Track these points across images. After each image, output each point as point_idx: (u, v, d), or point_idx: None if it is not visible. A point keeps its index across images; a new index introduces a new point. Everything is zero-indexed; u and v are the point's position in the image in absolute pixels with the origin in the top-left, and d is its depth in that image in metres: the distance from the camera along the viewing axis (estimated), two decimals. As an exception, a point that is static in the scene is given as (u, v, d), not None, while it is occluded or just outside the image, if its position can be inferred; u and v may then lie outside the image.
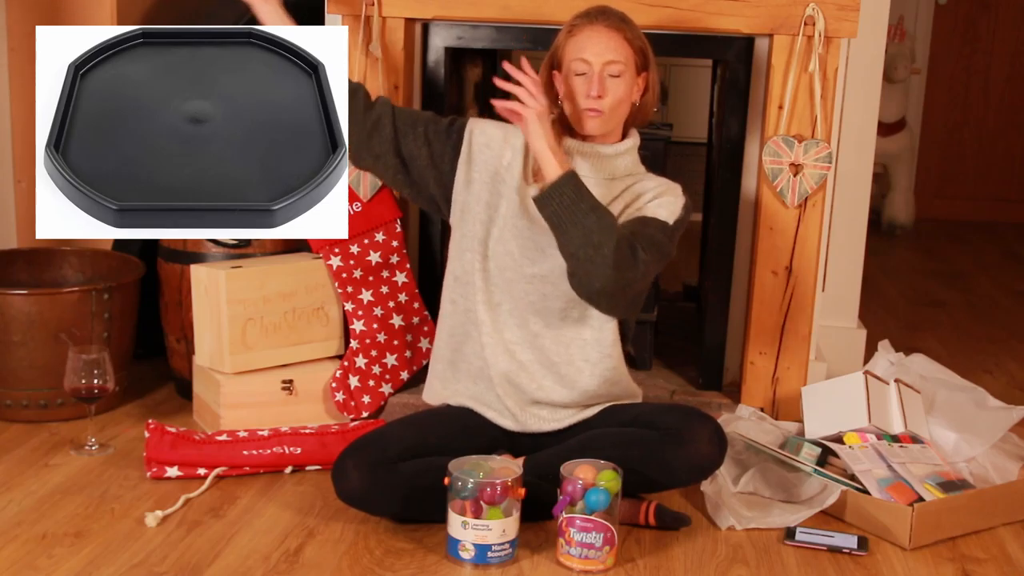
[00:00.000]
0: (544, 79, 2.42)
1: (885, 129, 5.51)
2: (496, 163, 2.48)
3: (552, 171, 2.26)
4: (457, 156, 2.49)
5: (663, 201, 2.40)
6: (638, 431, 2.39)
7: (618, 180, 2.46)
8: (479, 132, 2.50)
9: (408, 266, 2.92)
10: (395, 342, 2.89)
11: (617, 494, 2.20)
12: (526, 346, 2.47)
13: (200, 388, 2.89)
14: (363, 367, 2.85)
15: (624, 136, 2.49)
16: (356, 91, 2.50)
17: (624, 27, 2.40)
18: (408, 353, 2.92)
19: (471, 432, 2.48)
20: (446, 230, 2.62)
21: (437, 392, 2.60)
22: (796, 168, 2.75)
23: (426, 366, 2.78)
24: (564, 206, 2.24)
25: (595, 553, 2.19)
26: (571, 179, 2.25)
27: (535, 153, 2.30)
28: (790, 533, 2.37)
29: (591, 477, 2.19)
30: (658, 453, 2.35)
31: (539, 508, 2.30)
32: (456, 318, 2.53)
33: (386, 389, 2.87)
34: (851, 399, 2.65)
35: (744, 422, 2.76)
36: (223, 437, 2.59)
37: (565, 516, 2.20)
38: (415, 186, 2.53)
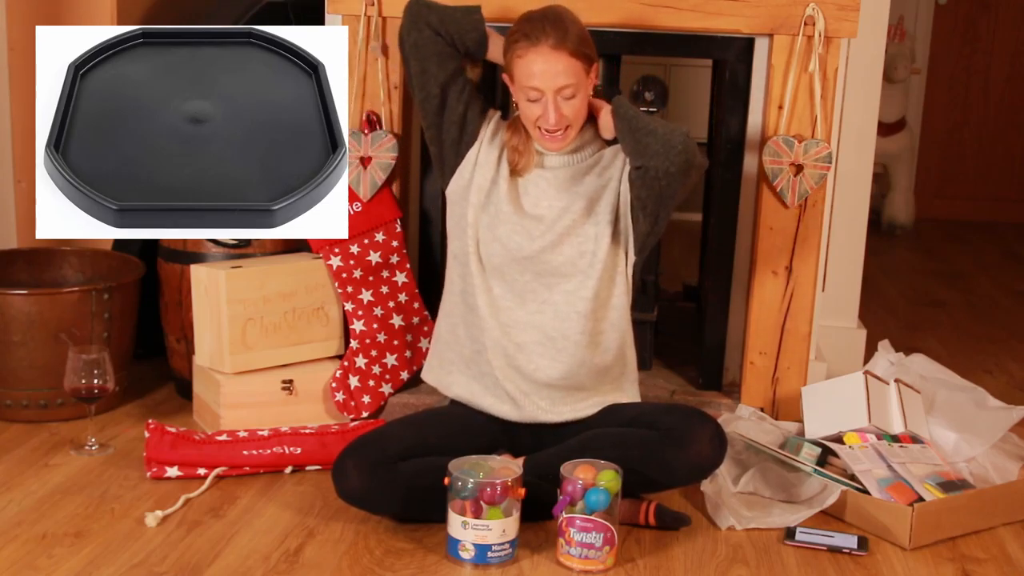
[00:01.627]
0: (502, 82, 2.51)
1: (885, 129, 5.51)
2: (498, 153, 2.53)
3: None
4: (478, 131, 2.53)
5: None
6: (638, 431, 2.40)
7: (589, 160, 2.53)
8: (494, 122, 2.57)
9: (408, 266, 2.92)
10: (395, 342, 2.89)
11: (617, 494, 2.20)
12: (522, 326, 2.48)
13: (200, 388, 2.88)
14: (363, 367, 2.85)
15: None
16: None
17: (566, 42, 2.36)
18: (408, 353, 2.92)
19: (471, 432, 2.49)
20: (446, 229, 2.62)
21: (435, 371, 2.62)
22: (796, 168, 2.75)
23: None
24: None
25: (595, 553, 2.19)
26: None
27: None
28: (790, 533, 2.37)
29: (591, 477, 2.19)
30: (658, 454, 2.35)
31: (539, 508, 2.30)
32: (455, 298, 2.56)
33: (386, 389, 2.87)
34: (851, 399, 2.65)
35: (744, 422, 2.76)
36: (223, 437, 2.59)
37: (565, 516, 2.20)
38: (438, 126, 2.53)
